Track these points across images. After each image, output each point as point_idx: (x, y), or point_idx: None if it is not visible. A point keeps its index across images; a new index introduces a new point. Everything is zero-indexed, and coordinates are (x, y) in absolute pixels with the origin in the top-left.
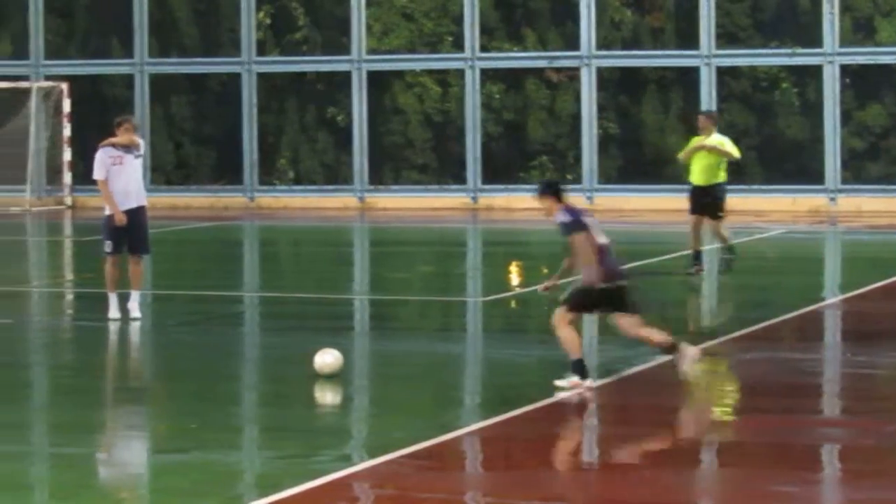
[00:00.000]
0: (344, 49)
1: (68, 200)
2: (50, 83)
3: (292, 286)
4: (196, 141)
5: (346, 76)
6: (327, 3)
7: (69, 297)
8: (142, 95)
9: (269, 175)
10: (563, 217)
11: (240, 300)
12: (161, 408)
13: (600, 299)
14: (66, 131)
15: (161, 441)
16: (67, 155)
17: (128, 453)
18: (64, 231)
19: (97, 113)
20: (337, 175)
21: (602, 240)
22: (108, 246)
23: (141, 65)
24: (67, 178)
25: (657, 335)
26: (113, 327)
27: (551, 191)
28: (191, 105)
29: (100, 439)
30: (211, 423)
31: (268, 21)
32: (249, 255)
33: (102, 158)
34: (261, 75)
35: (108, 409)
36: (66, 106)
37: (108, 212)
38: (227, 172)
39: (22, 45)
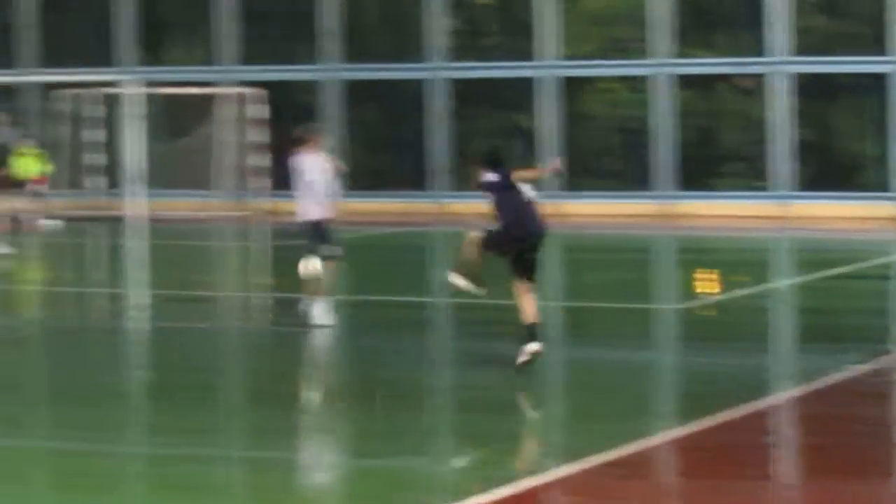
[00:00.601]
0: (535, 55)
1: (260, 206)
2: (242, 89)
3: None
4: (387, 147)
5: (537, 82)
6: (518, 9)
7: (262, 302)
8: (333, 102)
9: (460, 181)
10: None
11: (425, 306)
12: (354, 412)
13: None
14: (258, 137)
15: (354, 445)
16: (259, 160)
17: (322, 457)
18: (255, 236)
19: (289, 119)
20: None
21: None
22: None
23: (332, 71)
24: (258, 183)
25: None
26: (311, 332)
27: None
28: (382, 111)
29: (294, 443)
30: (403, 428)
31: (459, 27)
32: (440, 261)
33: (298, 165)
34: (452, 81)
35: (303, 414)
36: (258, 112)
37: (305, 217)
38: (418, 178)
39: (214, 52)
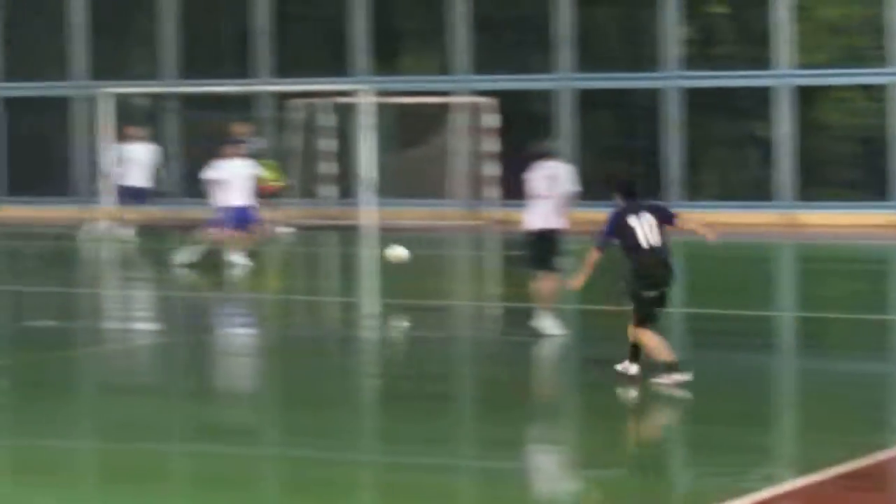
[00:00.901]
0: (770, 64)
1: (494, 215)
2: (476, 98)
3: (717, 302)
4: (620, 156)
5: (772, 91)
6: (753, 18)
7: (495, 311)
8: (566, 111)
9: (694, 190)
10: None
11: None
12: (581, 424)
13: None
14: (492, 146)
15: (582, 456)
16: (492, 170)
17: (550, 468)
18: (489, 246)
19: (522, 128)
20: (763, 191)
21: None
22: (533, 262)
23: (566, 80)
24: (493, 192)
25: None
26: (540, 342)
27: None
28: (615, 120)
29: (523, 453)
30: (637, 438)
31: (693, 36)
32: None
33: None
34: (686, 90)
35: (531, 424)
36: (492, 121)
37: (532, 226)
38: (652, 187)
39: (449, 61)
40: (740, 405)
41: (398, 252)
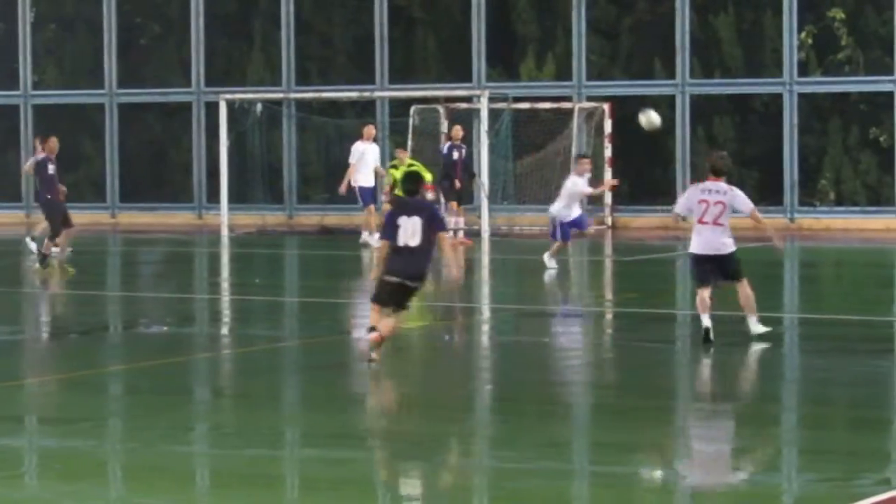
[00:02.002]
0: (888, 69)
1: (609, 220)
2: (592, 104)
3: (833, 307)
4: (738, 161)
5: (890, 97)
6: (872, 22)
7: (609, 316)
8: (683, 115)
9: (810, 196)
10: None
11: (780, 321)
12: (698, 427)
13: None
14: (608, 152)
15: (700, 461)
16: (608, 175)
17: (668, 473)
18: (605, 251)
19: (638, 134)
20: (880, 196)
21: (405, 241)
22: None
23: (683, 85)
24: (609, 198)
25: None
26: (671, 346)
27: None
28: (733, 126)
29: (639, 458)
30: (751, 443)
31: (810, 41)
32: (790, 275)
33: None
34: (803, 96)
35: (646, 429)
36: (608, 126)
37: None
38: (769, 193)
39: (566, 67)
40: (851, 410)
41: (652, 118)
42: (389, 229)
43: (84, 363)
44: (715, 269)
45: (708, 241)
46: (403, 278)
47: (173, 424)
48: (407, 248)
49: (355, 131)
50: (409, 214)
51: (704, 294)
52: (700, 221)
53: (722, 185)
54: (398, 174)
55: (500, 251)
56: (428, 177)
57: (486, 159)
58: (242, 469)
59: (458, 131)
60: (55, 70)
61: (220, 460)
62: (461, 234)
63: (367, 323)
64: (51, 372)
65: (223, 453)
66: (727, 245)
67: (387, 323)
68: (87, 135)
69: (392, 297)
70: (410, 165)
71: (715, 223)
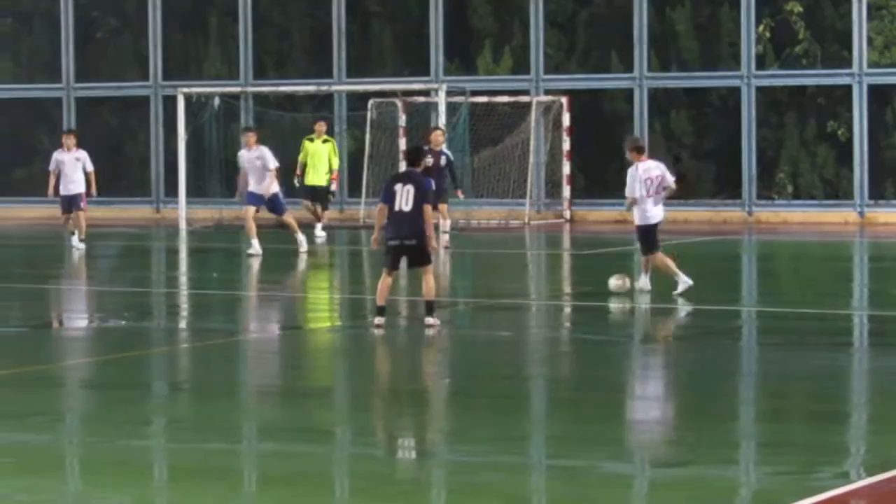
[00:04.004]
0: (845, 63)
1: (567, 214)
2: (550, 97)
3: (791, 301)
4: (695, 155)
5: (847, 90)
6: (829, 16)
7: (567, 310)
8: (641, 110)
9: (768, 189)
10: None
11: (738, 314)
12: (655, 421)
13: (396, 254)
14: (566, 145)
15: (657, 455)
16: (566, 168)
17: (624, 466)
18: (563, 244)
19: (596, 127)
20: (837, 190)
21: (400, 206)
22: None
23: (640, 79)
24: (566, 191)
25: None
26: (628, 340)
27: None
28: (690, 119)
29: (596, 451)
30: (708, 437)
31: (768, 34)
32: (748, 269)
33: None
34: (760, 89)
35: (603, 423)
36: (566, 120)
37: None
38: (726, 186)
39: (523, 60)
40: (809, 404)
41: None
42: (387, 195)
43: (40, 357)
44: (656, 236)
45: (654, 212)
46: (401, 239)
47: (131, 419)
48: (401, 213)
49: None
50: (405, 183)
51: (665, 259)
52: (647, 195)
53: (651, 161)
54: (311, 147)
55: (458, 245)
56: (336, 163)
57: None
58: (199, 462)
59: (436, 136)
60: (11, 63)
61: (177, 454)
62: (446, 236)
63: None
64: (4, 367)
65: (180, 447)
66: (662, 212)
67: (428, 287)
68: (44, 129)
69: (399, 258)
70: (325, 141)
71: (656, 194)
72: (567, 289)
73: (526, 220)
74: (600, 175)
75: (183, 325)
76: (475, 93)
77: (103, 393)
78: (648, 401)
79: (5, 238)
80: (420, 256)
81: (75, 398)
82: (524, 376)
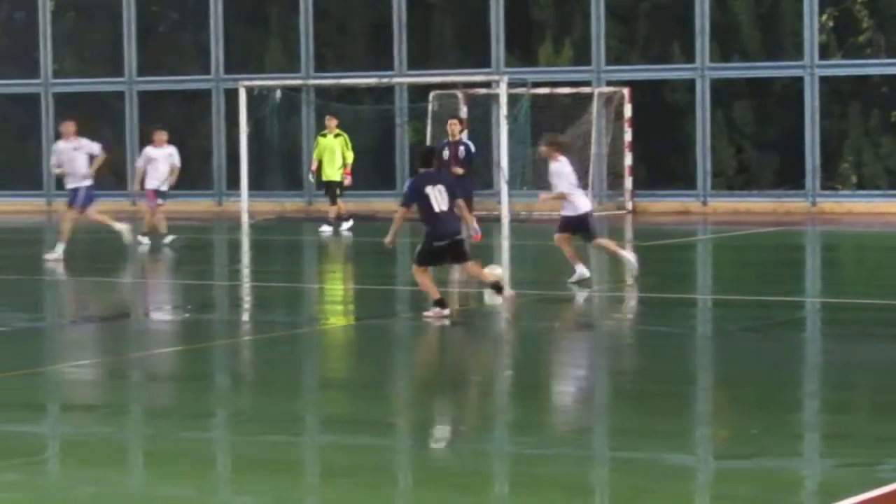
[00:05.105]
0: None
1: (629, 205)
2: (611, 88)
3: (855, 292)
4: (757, 145)
5: None
6: (893, 4)
7: (630, 301)
8: (703, 100)
9: (831, 180)
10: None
11: (802, 306)
12: (722, 413)
13: (441, 254)
14: (627, 136)
15: (721, 446)
16: (628, 160)
17: (687, 458)
18: (625, 235)
19: (658, 118)
20: None
21: (439, 207)
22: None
23: (702, 69)
24: (628, 182)
25: (486, 275)
26: (691, 332)
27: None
28: (752, 110)
29: (659, 443)
30: (772, 429)
31: (831, 24)
32: (811, 260)
33: None
34: (823, 79)
35: (666, 414)
36: (627, 111)
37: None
38: (789, 177)
39: (584, 52)
40: (875, 395)
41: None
42: (415, 197)
43: (104, 350)
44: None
45: (584, 201)
46: (450, 237)
47: (194, 411)
48: (441, 213)
49: (374, 118)
50: (434, 184)
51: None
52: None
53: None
54: (324, 142)
55: (519, 237)
56: (350, 157)
57: (505, 145)
58: (262, 455)
59: (452, 126)
60: (74, 58)
61: (240, 446)
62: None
63: (429, 296)
64: (70, 359)
65: (243, 439)
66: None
67: (482, 273)
68: (106, 123)
69: (445, 256)
70: (338, 135)
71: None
72: (628, 280)
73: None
74: (662, 166)
75: (246, 317)
76: (536, 84)
77: (167, 385)
78: (711, 392)
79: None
80: (462, 251)
81: (140, 390)
82: (585, 367)
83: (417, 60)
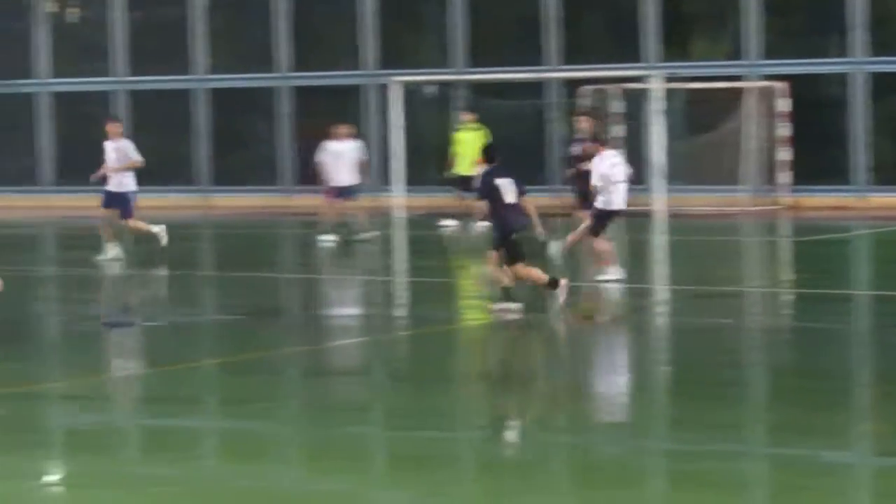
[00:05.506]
0: None
1: (785, 200)
2: (767, 83)
3: None
4: None
5: None
6: None
7: (785, 298)
8: (859, 94)
9: None
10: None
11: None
12: (880, 409)
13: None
14: (784, 131)
15: (879, 443)
16: (785, 154)
17: (845, 455)
18: (780, 231)
19: (814, 112)
20: None
21: (509, 199)
22: None
23: (859, 63)
24: (785, 177)
25: (538, 276)
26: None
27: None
28: None
29: (817, 440)
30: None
31: None
32: None
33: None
34: None
35: (824, 411)
36: (785, 105)
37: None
38: None
39: (738, 46)
40: None
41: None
42: (489, 190)
43: (260, 344)
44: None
45: (624, 197)
46: (522, 228)
47: (347, 406)
48: (512, 205)
49: (526, 113)
50: (502, 177)
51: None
52: (618, 182)
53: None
54: (460, 137)
55: (674, 232)
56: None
57: (658, 140)
58: (417, 450)
59: (580, 123)
60: (227, 54)
61: (394, 442)
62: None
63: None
64: (228, 354)
65: (397, 435)
66: None
67: (533, 273)
68: (260, 118)
69: (521, 249)
70: (475, 129)
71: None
72: (785, 276)
73: (743, 207)
74: (818, 161)
75: (400, 312)
76: (690, 79)
77: (321, 380)
78: (868, 389)
79: (231, 227)
80: (522, 248)
81: (295, 385)
82: (744, 364)
83: (569, 55)
